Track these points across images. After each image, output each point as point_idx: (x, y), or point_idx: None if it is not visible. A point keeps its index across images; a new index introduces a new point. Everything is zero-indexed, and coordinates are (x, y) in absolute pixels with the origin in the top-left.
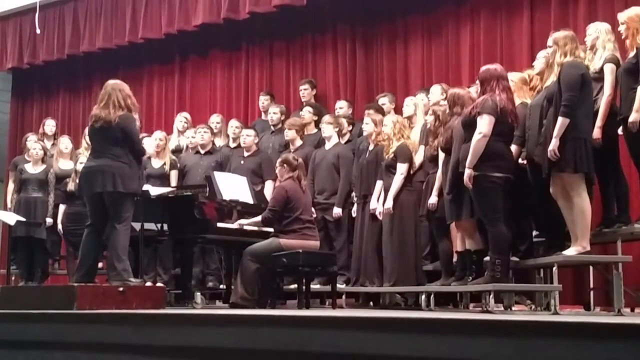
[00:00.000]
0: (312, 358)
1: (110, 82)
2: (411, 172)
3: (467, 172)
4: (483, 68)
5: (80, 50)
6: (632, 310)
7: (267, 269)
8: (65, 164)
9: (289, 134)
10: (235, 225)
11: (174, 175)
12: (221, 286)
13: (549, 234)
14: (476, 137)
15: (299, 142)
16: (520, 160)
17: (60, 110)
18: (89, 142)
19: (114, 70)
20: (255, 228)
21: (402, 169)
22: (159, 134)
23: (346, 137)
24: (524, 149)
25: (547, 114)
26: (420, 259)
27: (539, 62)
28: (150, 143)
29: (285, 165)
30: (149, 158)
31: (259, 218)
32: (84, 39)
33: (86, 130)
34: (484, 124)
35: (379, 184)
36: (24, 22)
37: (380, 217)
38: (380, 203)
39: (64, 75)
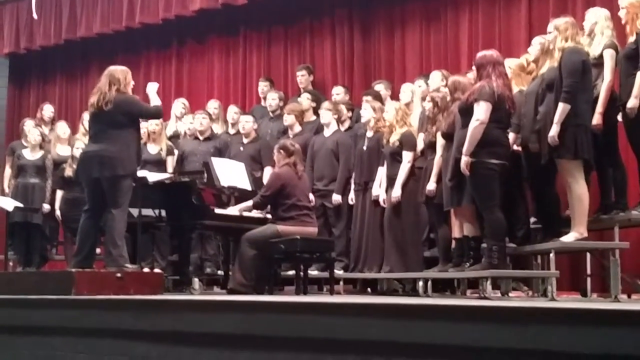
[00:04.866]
0: (309, 344)
1: (110, 67)
2: (415, 158)
3: (464, 159)
4: (479, 54)
5: (78, 35)
6: (629, 296)
7: (264, 255)
8: (63, 150)
9: (289, 119)
10: (231, 212)
11: (170, 161)
12: (219, 272)
13: (545, 220)
14: (473, 124)
15: (298, 128)
16: (515, 147)
17: (58, 95)
18: (87, 128)
19: (111, 55)
20: (252, 214)
21: (408, 157)
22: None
23: (346, 124)
24: (519, 135)
25: (545, 100)
26: (420, 246)
27: (534, 48)
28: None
29: (282, 151)
30: (145, 144)
31: (250, 202)
32: (81, 24)
33: (84, 115)
34: (481, 111)
35: (381, 170)
36: (21, 7)
37: (383, 205)
38: (383, 190)
39: (61, 60)
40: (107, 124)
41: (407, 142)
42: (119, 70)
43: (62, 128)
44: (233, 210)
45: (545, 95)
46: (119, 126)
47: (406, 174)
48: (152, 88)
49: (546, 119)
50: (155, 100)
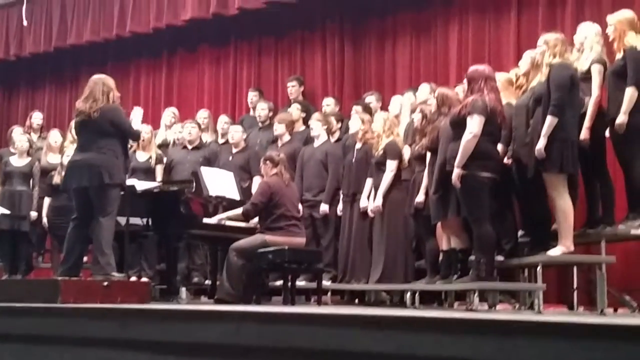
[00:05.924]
0: (296, 354)
1: (95, 76)
2: (401, 169)
3: (456, 171)
4: (471, 68)
5: (68, 43)
6: (615, 310)
7: (252, 265)
8: (54, 158)
9: (279, 128)
10: (216, 221)
11: (159, 170)
12: (206, 282)
13: (533, 233)
14: (466, 137)
15: (287, 138)
16: (505, 160)
17: (47, 103)
18: (75, 136)
19: (102, 63)
20: (240, 224)
21: (391, 165)
22: (145, 128)
23: (336, 135)
24: (509, 148)
25: (534, 113)
26: (410, 257)
27: (525, 61)
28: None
29: (268, 162)
30: (134, 152)
31: (239, 210)
32: (71, 31)
33: (72, 124)
34: (475, 124)
35: (369, 181)
36: (11, 13)
37: (371, 215)
38: (371, 201)
39: (51, 68)
40: (95, 133)
41: (391, 151)
42: (109, 80)
43: (55, 136)
44: (219, 218)
45: (535, 109)
46: (107, 135)
47: (389, 183)
48: (137, 114)
49: (534, 132)
50: (137, 125)
